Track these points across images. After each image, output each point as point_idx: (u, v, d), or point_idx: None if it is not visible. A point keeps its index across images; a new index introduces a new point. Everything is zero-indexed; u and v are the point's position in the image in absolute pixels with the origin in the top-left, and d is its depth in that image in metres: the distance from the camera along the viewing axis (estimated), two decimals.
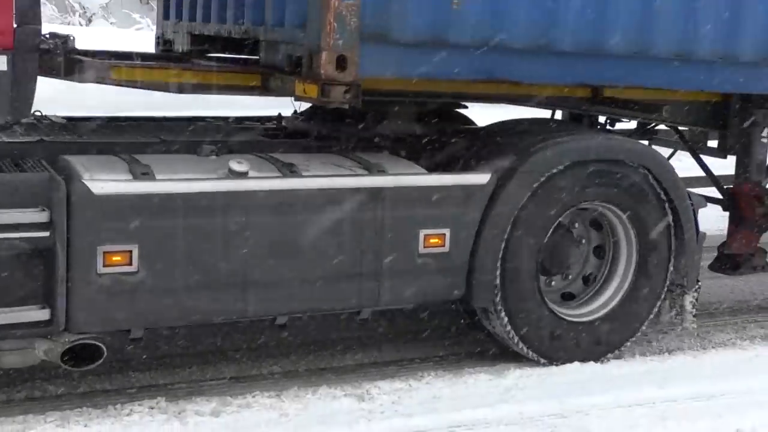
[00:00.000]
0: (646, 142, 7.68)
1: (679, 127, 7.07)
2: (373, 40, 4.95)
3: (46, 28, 5.13)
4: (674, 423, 4.97)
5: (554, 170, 5.57)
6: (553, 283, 5.95)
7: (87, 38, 6.52)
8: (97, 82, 5.16)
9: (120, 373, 5.35)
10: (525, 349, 5.68)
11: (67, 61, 5.14)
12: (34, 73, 4.92)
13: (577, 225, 5.96)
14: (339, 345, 5.90)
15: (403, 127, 5.88)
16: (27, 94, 4.91)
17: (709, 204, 6.50)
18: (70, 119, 5.83)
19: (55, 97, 6.40)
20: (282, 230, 4.96)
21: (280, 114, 6.46)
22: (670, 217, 5.95)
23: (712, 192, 6.96)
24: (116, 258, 4.63)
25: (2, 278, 4.46)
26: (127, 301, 4.69)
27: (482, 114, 6.78)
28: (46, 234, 4.50)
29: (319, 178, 5.09)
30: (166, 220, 4.72)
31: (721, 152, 6.90)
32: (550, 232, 5.66)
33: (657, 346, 6.35)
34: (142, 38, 12.23)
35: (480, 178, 5.44)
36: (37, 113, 5.46)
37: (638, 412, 5.12)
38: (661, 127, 7.37)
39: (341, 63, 4.81)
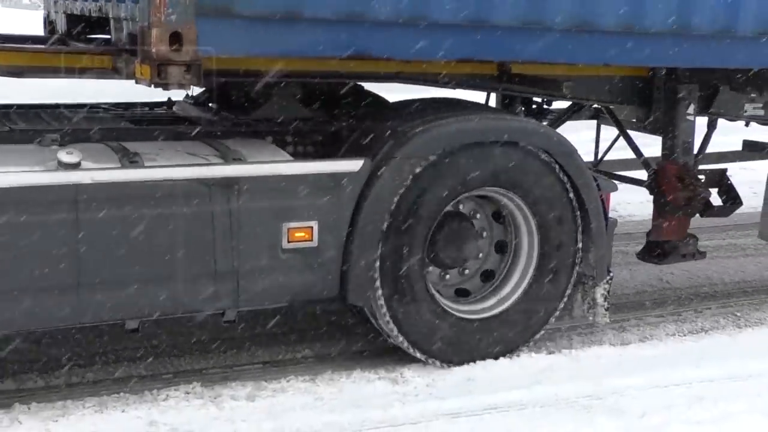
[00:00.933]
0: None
1: (609, 106, 6.55)
2: (213, 14, 4.40)
3: None
4: (711, 403, 4.93)
5: (435, 155, 5.08)
6: (447, 277, 5.52)
7: None
8: None
9: (155, 359, 5.39)
10: (411, 349, 5.28)
11: None
12: None
13: (478, 216, 5.53)
14: (372, 329, 5.91)
15: (287, 111, 5.36)
16: None
17: (639, 187, 6.14)
18: None
19: None
20: (120, 226, 4.49)
21: (169, 99, 5.95)
22: (575, 204, 5.49)
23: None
24: None
25: None
26: None
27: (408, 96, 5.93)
28: None
29: (160, 168, 4.59)
30: None
31: (649, 131, 6.39)
32: (436, 222, 5.21)
33: (691, 326, 6.30)
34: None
35: (351, 164, 4.94)
36: None
37: (674, 392, 5.09)
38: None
39: (176, 40, 4.27)
